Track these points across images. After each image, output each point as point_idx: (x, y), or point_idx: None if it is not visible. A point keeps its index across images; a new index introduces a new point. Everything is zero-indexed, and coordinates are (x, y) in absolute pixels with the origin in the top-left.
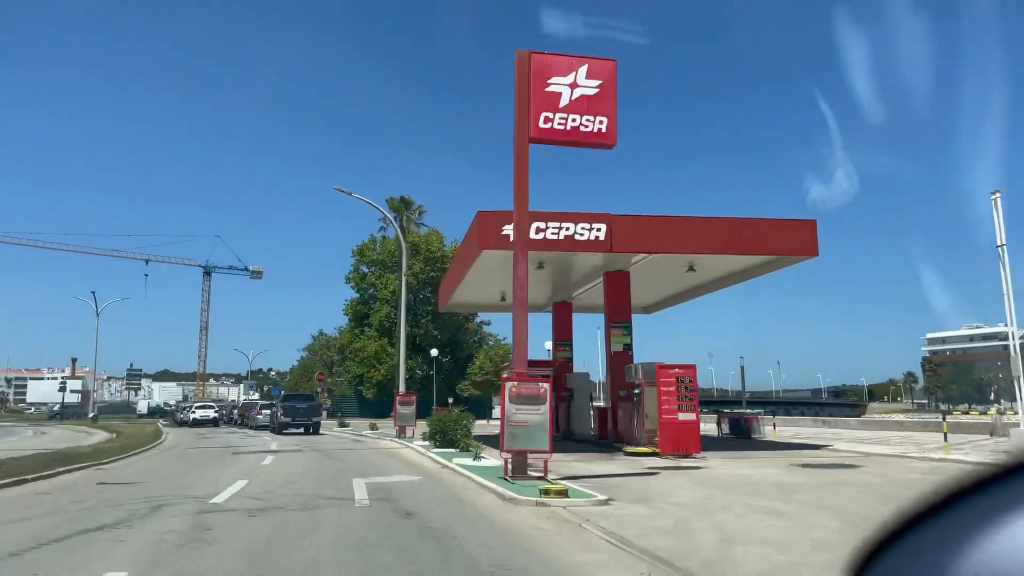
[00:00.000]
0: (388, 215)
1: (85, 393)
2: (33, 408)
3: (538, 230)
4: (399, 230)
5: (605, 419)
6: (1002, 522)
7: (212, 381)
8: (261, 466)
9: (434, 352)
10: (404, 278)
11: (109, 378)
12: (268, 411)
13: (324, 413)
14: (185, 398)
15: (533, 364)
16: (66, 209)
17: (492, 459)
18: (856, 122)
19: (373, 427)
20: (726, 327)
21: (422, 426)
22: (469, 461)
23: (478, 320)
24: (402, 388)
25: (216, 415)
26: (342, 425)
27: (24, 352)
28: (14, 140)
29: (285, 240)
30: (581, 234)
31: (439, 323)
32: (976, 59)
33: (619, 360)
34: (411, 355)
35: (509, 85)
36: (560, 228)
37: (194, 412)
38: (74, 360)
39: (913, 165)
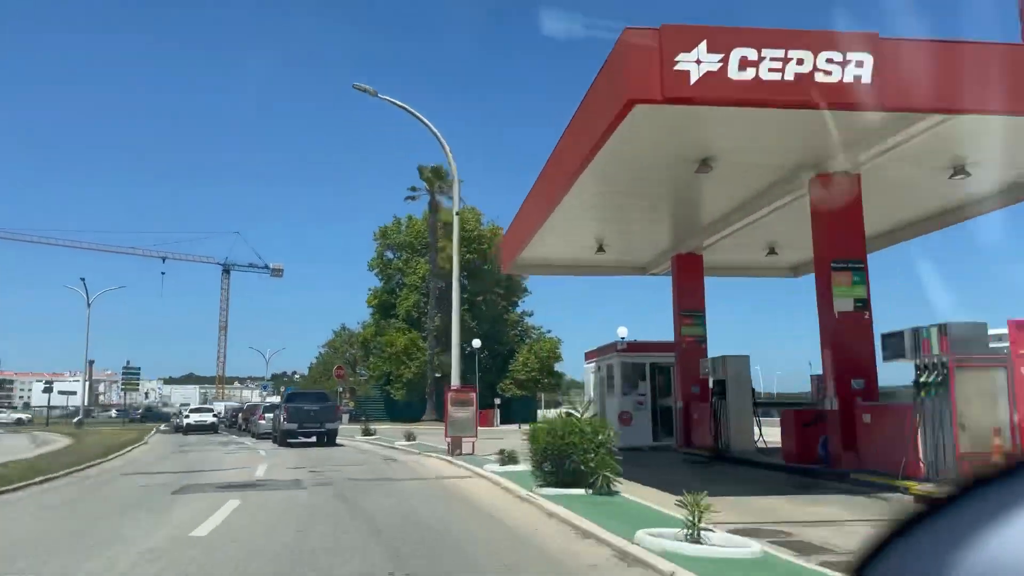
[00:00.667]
0: (430, 128)
1: (91, 396)
2: (34, 411)
3: (744, 63)
4: (450, 162)
5: (802, 428)
6: (1001, 522)
7: (237, 384)
8: (188, 539)
9: (476, 343)
10: (457, 221)
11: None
12: (272, 414)
13: (343, 417)
14: (205, 401)
15: (637, 347)
16: (80, 205)
17: (718, 532)
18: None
19: (410, 437)
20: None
21: (487, 436)
22: (683, 544)
23: (519, 310)
24: (456, 379)
25: (215, 420)
26: (367, 433)
27: (47, 355)
28: (26, 134)
29: (306, 236)
30: (826, 72)
31: (476, 312)
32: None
33: (849, 326)
34: (444, 349)
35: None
36: (785, 59)
37: (188, 417)
38: (91, 362)
39: None
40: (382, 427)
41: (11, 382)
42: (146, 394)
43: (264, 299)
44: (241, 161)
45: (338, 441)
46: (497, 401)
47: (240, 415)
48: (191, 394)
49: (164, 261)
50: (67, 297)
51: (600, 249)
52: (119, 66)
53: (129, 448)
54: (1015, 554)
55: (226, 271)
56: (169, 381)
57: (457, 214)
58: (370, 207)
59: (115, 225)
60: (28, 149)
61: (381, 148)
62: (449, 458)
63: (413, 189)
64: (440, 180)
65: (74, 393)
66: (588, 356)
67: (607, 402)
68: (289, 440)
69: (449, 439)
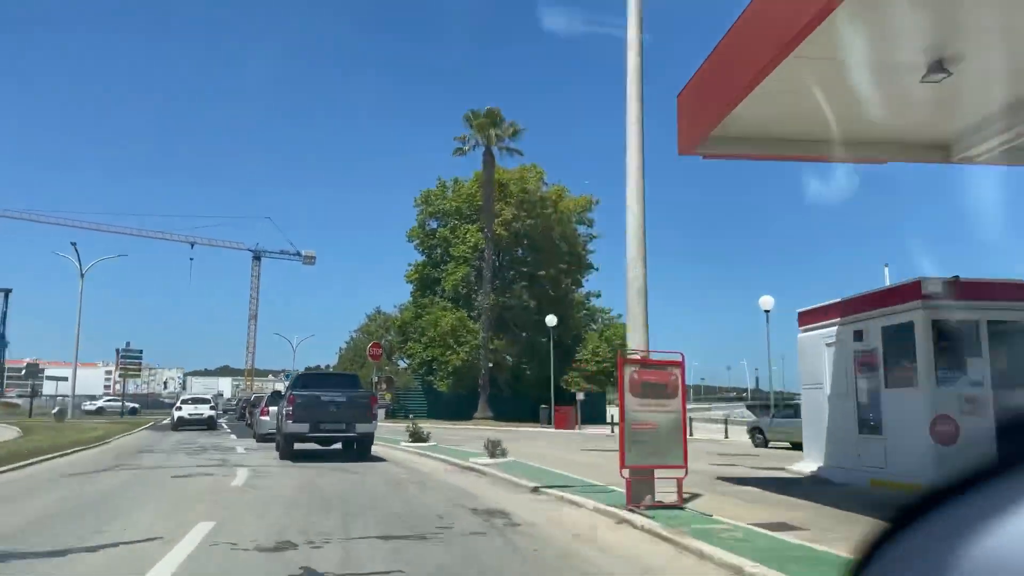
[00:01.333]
0: None
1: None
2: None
3: None
4: None
5: None
6: (1001, 519)
7: (270, 377)
8: None
9: (551, 320)
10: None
11: (152, 370)
12: (276, 407)
13: (380, 413)
14: (235, 394)
15: (970, 291)
16: (101, 191)
17: None
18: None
19: (495, 448)
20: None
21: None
22: None
23: (584, 290)
24: (639, 336)
25: (213, 413)
26: (417, 437)
27: (74, 344)
28: (48, 116)
29: (339, 222)
30: None
31: (537, 290)
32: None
33: None
34: (496, 335)
35: None
36: None
37: (180, 409)
38: (118, 351)
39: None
40: (429, 427)
41: (41, 370)
42: (165, 383)
43: (296, 288)
44: (271, 147)
45: (374, 450)
46: (580, 396)
47: (245, 409)
48: (214, 385)
49: (193, 247)
50: (96, 284)
51: (940, 69)
52: (148, 42)
53: (60, 454)
54: (1015, 552)
55: (256, 258)
56: (205, 374)
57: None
58: (407, 191)
59: (143, 208)
60: (42, 133)
61: (417, 124)
62: (658, 528)
63: (462, 139)
64: (495, 127)
65: (65, 379)
66: (817, 316)
67: (882, 399)
68: (296, 446)
69: (628, 472)
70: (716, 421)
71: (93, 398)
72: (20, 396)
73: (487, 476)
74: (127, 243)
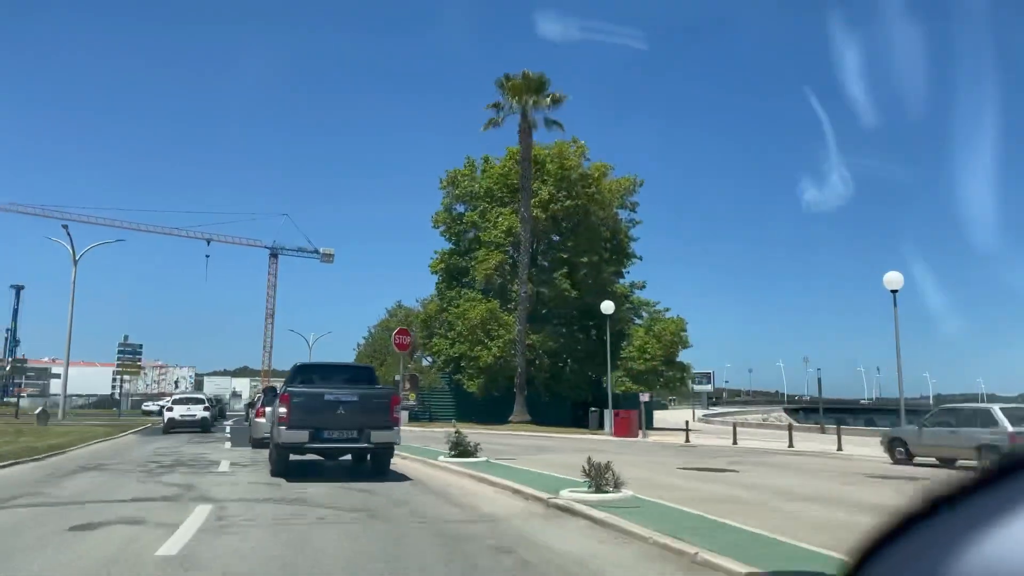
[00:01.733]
0: None
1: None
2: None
3: None
4: None
5: None
6: (1000, 523)
7: None
8: None
9: (607, 307)
10: None
11: (164, 368)
12: (271, 408)
13: (403, 415)
14: (251, 395)
15: None
16: (115, 187)
17: None
18: (851, 125)
19: (601, 478)
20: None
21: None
22: None
23: (627, 281)
24: None
25: (207, 414)
26: (460, 450)
27: (92, 343)
28: (54, 112)
29: (358, 219)
30: None
31: (577, 278)
32: (970, 62)
33: None
34: (535, 327)
35: None
36: None
37: (171, 410)
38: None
39: (907, 168)
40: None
41: (43, 370)
42: (176, 383)
43: (314, 286)
44: (287, 143)
45: (406, 468)
46: (644, 397)
47: (248, 410)
48: (228, 384)
49: (209, 243)
50: (112, 284)
51: None
52: (162, 39)
53: None
54: (1015, 554)
55: (274, 255)
56: (223, 373)
57: None
58: (428, 185)
59: (157, 205)
60: (48, 131)
61: (439, 118)
62: None
63: (495, 107)
64: (535, 93)
65: (57, 376)
66: None
67: None
68: (290, 458)
69: None
70: (813, 429)
71: (154, 399)
72: (30, 396)
73: (611, 531)
74: (141, 240)
